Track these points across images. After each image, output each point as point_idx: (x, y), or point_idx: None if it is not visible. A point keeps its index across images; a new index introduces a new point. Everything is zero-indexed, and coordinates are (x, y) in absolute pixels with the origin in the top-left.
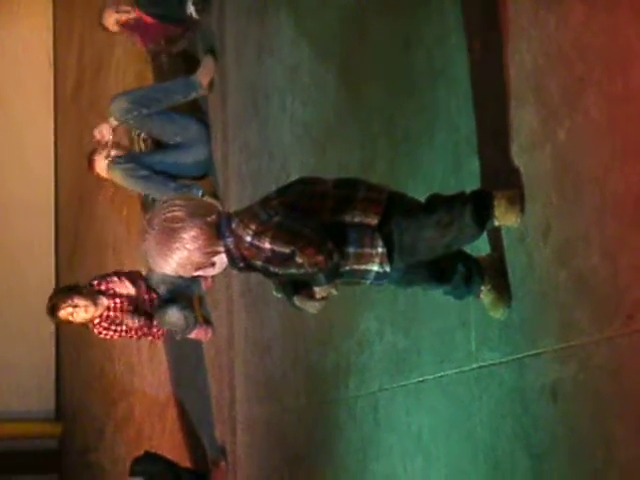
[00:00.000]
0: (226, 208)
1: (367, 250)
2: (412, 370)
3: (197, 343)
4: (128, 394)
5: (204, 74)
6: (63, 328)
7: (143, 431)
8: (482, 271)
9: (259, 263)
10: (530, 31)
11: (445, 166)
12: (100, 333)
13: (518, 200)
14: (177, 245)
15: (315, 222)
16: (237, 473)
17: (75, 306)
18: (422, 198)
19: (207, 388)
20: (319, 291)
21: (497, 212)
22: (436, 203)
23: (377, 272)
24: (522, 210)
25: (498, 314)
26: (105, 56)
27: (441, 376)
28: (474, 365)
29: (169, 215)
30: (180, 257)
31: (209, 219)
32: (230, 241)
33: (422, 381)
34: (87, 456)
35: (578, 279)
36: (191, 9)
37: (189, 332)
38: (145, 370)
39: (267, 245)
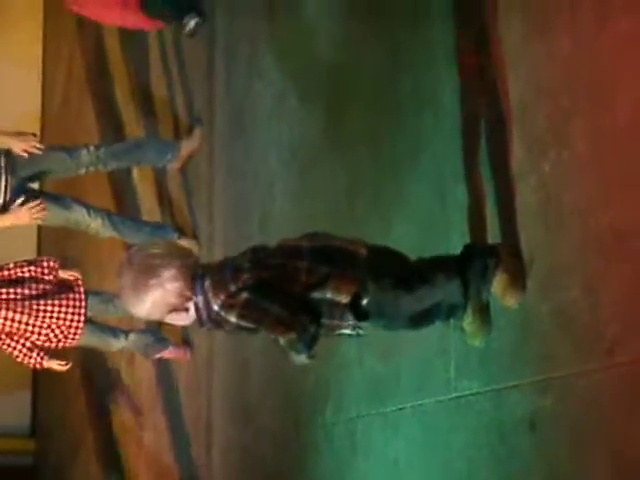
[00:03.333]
0: (210, 228)
1: (336, 322)
2: (390, 397)
3: (176, 363)
4: (105, 413)
5: (188, 145)
6: None
7: (118, 451)
8: (465, 303)
9: (227, 328)
10: (518, 62)
11: (429, 194)
12: None
13: (520, 279)
14: (155, 282)
15: (286, 297)
16: None
17: None
18: (406, 228)
19: (184, 409)
20: (297, 360)
21: (496, 288)
22: (419, 280)
23: (350, 335)
24: (524, 289)
25: (478, 342)
26: (94, 68)
27: (419, 404)
28: (452, 394)
29: (150, 253)
30: (155, 296)
31: (188, 262)
32: (200, 300)
33: (400, 409)
34: (61, 473)
35: (559, 311)
36: (191, 24)
37: (152, 354)
38: (122, 389)
39: (233, 319)
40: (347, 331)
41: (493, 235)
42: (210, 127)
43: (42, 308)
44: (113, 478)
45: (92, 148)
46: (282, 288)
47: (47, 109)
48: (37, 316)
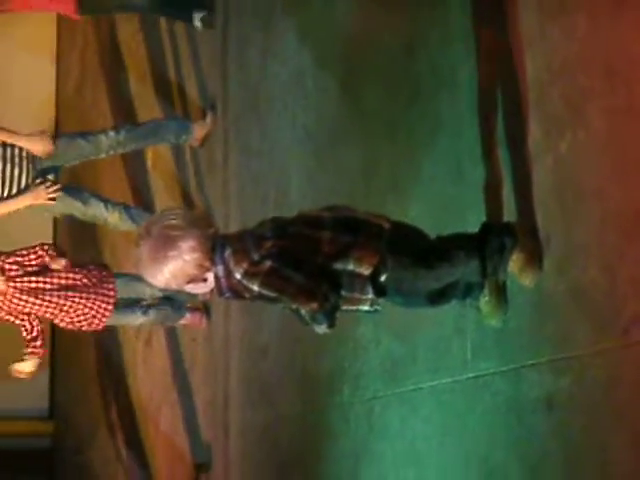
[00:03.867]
0: (226, 210)
1: (357, 295)
2: (407, 378)
3: (192, 345)
4: (122, 395)
5: (202, 126)
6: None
7: (136, 433)
8: (482, 282)
9: (247, 296)
10: (534, 42)
11: (446, 174)
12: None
13: (537, 258)
14: (173, 253)
15: (308, 266)
16: (230, 477)
17: None
18: (422, 207)
19: (201, 391)
20: (319, 330)
21: (513, 267)
22: (439, 256)
23: (367, 310)
24: (541, 268)
25: (494, 322)
26: (108, 54)
27: (436, 385)
28: (469, 374)
29: (168, 223)
30: (174, 267)
31: (208, 232)
32: (220, 269)
33: (417, 389)
34: (79, 455)
35: (576, 290)
36: (198, 23)
37: (170, 323)
38: (139, 371)
39: (255, 288)
40: (365, 307)
41: (509, 214)
42: (224, 108)
43: (75, 301)
44: (131, 460)
45: (111, 133)
46: (304, 257)
47: (62, 95)
48: (67, 309)
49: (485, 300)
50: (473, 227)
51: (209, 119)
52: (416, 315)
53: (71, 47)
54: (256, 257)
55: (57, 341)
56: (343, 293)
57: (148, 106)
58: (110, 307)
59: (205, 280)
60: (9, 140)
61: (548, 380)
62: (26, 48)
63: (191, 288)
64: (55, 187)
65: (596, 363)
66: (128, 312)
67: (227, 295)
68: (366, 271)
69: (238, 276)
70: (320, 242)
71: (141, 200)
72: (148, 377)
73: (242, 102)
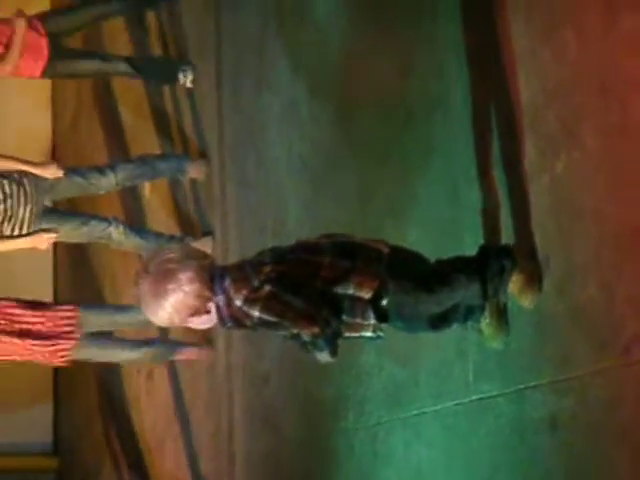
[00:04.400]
0: (225, 241)
1: (359, 320)
2: (411, 403)
3: (194, 379)
4: (126, 429)
5: (195, 170)
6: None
7: (141, 466)
8: (483, 305)
9: (249, 324)
10: (527, 62)
11: (443, 197)
12: None
13: (536, 279)
14: (173, 286)
15: (308, 291)
16: None
17: None
18: (419, 232)
19: (205, 422)
20: (321, 357)
21: (513, 289)
22: (440, 280)
23: (370, 337)
24: (540, 290)
25: (495, 344)
26: (102, 88)
27: (439, 408)
28: (472, 397)
29: (165, 257)
30: (175, 299)
31: (204, 262)
32: (221, 299)
33: (420, 414)
34: None
35: (576, 310)
36: (184, 80)
37: (169, 359)
38: (142, 405)
39: (256, 314)
40: (367, 333)
41: (507, 236)
42: (220, 139)
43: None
44: None
45: (111, 174)
46: (303, 282)
47: (58, 128)
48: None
49: (486, 322)
50: (471, 250)
51: (202, 166)
52: (418, 340)
53: (67, 81)
54: (256, 283)
55: (60, 377)
56: (344, 318)
57: (143, 138)
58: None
59: (208, 312)
60: (16, 167)
61: (551, 400)
62: (22, 82)
63: (194, 323)
64: (55, 236)
65: (598, 382)
66: (118, 345)
67: (229, 325)
68: (366, 295)
69: (239, 303)
70: (319, 267)
71: None
72: (151, 410)
73: (237, 133)
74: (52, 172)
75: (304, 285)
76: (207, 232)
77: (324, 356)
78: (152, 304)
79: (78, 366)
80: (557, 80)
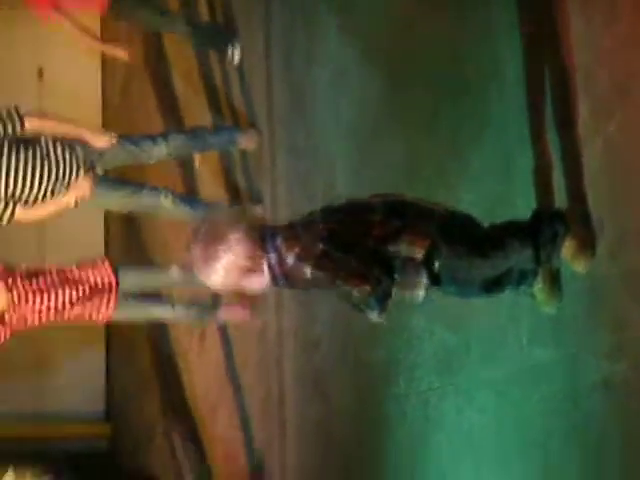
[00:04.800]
0: (275, 210)
1: (411, 279)
2: (462, 368)
3: (246, 340)
4: (177, 394)
5: (246, 141)
6: (112, 328)
7: (193, 433)
8: (536, 269)
9: (300, 282)
10: (579, 26)
11: (495, 162)
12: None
13: (590, 244)
14: (223, 248)
15: (360, 249)
16: (287, 473)
17: None
18: (472, 197)
19: (256, 388)
20: (371, 316)
21: (566, 254)
22: (493, 245)
23: (423, 297)
24: (593, 255)
25: (549, 309)
26: (152, 56)
27: (492, 374)
28: (525, 363)
29: (214, 222)
30: (227, 261)
31: (253, 224)
32: (273, 257)
33: (473, 379)
34: (137, 457)
35: (629, 275)
36: (231, 56)
37: (207, 320)
38: (195, 369)
39: (308, 270)
40: (420, 292)
41: (560, 200)
42: (269, 108)
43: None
44: (187, 461)
45: (163, 143)
46: (355, 240)
47: (107, 96)
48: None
49: (539, 287)
50: (524, 215)
51: (253, 135)
52: (469, 305)
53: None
54: (308, 240)
55: (111, 343)
56: (396, 277)
57: (193, 106)
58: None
59: (261, 272)
60: (70, 132)
61: (604, 365)
62: (72, 51)
63: (248, 284)
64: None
65: None
66: (155, 303)
67: (281, 283)
68: (418, 254)
69: (291, 261)
70: (371, 225)
71: None
72: (203, 375)
73: (286, 102)
74: (105, 141)
75: (355, 244)
76: (257, 200)
77: (374, 315)
78: (205, 268)
79: (129, 332)
80: (609, 40)
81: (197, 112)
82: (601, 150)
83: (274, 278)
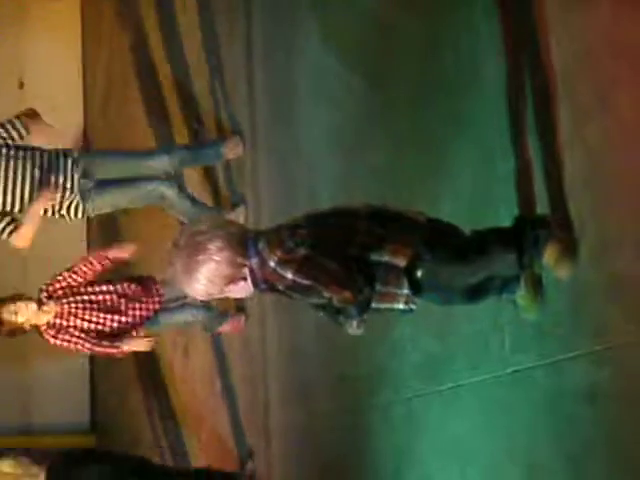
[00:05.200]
0: (257, 215)
1: (392, 290)
2: (446, 375)
3: (229, 349)
4: (162, 405)
5: (231, 150)
6: None
7: (178, 441)
8: (518, 276)
9: (281, 288)
10: (559, 31)
11: (477, 169)
12: (49, 340)
13: (572, 250)
14: (203, 257)
15: (343, 256)
16: (272, 479)
17: (16, 312)
18: (453, 205)
19: (241, 396)
20: (349, 325)
21: (548, 260)
22: (476, 250)
23: (402, 310)
24: (575, 260)
25: (531, 315)
26: (134, 63)
27: (476, 381)
28: (509, 369)
29: (194, 231)
30: (208, 270)
31: (232, 230)
32: (255, 262)
33: (457, 386)
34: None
35: (612, 280)
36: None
37: (217, 327)
38: (179, 380)
39: (289, 275)
40: (400, 305)
41: (542, 207)
42: (251, 113)
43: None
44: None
45: (166, 157)
46: (339, 247)
47: (89, 106)
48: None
49: (521, 294)
50: (506, 221)
51: (236, 141)
52: (452, 312)
53: (96, 59)
54: (291, 244)
55: (95, 356)
56: (378, 287)
57: (175, 116)
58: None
59: (243, 279)
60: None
61: (588, 371)
62: (53, 59)
63: (232, 291)
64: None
65: (636, 353)
66: (178, 312)
67: (262, 287)
68: (401, 263)
69: (272, 264)
70: (355, 232)
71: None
72: (187, 385)
73: (269, 106)
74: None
75: (339, 250)
76: (238, 203)
77: (354, 328)
78: (187, 279)
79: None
80: (589, 46)
81: (180, 120)
82: (582, 155)
83: (255, 282)
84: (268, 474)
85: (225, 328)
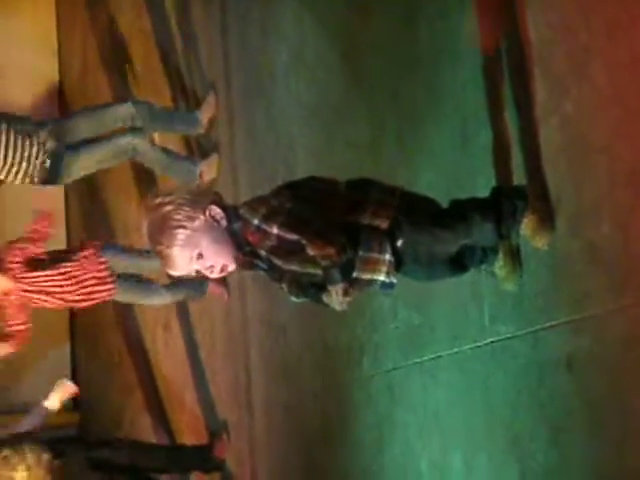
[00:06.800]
0: (235, 193)
1: (374, 255)
2: (426, 347)
3: (211, 327)
4: (145, 381)
5: (206, 111)
6: (78, 315)
7: (161, 418)
8: (496, 246)
9: (263, 253)
10: (535, 2)
11: (454, 141)
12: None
13: (549, 220)
14: (171, 231)
15: (326, 217)
16: (256, 455)
17: None
18: (431, 176)
19: (224, 372)
20: (334, 298)
21: (525, 230)
22: (455, 216)
23: (383, 282)
24: (553, 230)
25: (510, 286)
26: (109, 40)
27: (456, 352)
28: (488, 340)
29: (162, 209)
30: (171, 237)
31: (194, 193)
32: (237, 226)
33: (437, 358)
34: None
35: (590, 249)
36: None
37: (196, 297)
38: (161, 356)
39: (274, 230)
40: (381, 276)
41: (519, 177)
42: (228, 89)
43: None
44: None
45: (130, 103)
46: (322, 207)
47: (65, 84)
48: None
49: (500, 264)
50: (484, 192)
51: (210, 100)
52: (432, 285)
53: (71, 38)
54: (275, 202)
55: (76, 332)
56: (360, 253)
57: (152, 91)
58: (107, 286)
59: (226, 252)
60: None
61: (567, 341)
62: (27, 40)
63: (209, 267)
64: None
65: (614, 321)
66: (149, 291)
67: (246, 249)
68: (383, 224)
69: (256, 221)
70: (334, 195)
71: (146, 185)
72: (170, 362)
73: (245, 82)
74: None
75: (320, 213)
76: (211, 151)
77: (339, 298)
78: (164, 256)
79: (94, 320)
80: (563, 15)
81: (156, 98)
82: (558, 126)
83: (239, 245)
84: (251, 449)
85: (211, 292)
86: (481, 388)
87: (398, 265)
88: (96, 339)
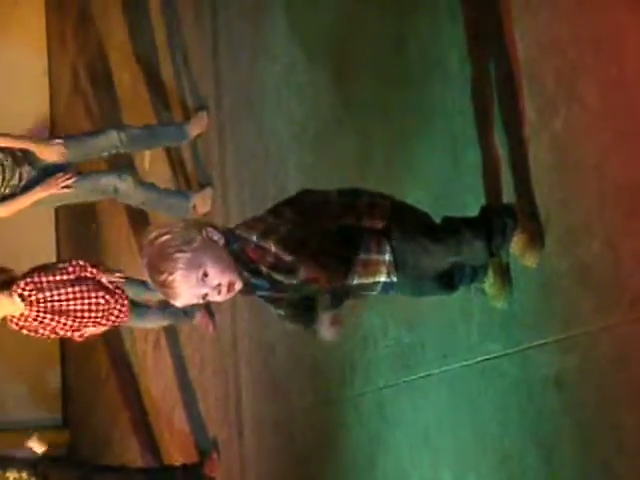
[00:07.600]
0: (226, 212)
1: (374, 257)
2: (417, 365)
3: (201, 346)
4: (135, 400)
5: (196, 125)
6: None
7: (151, 436)
8: (486, 265)
9: (264, 270)
10: (523, 20)
11: (443, 159)
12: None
13: (538, 238)
14: (169, 262)
15: (324, 239)
16: (246, 473)
17: None
18: (421, 194)
19: (213, 390)
20: (323, 326)
21: (515, 249)
22: (446, 231)
23: (384, 283)
24: (542, 248)
25: (499, 304)
26: (100, 58)
27: (446, 370)
28: (478, 358)
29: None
30: (169, 270)
31: (180, 225)
32: (236, 246)
33: (427, 376)
34: (96, 461)
35: (580, 268)
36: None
37: (183, 321)
38: (151, 375)
39: (272, 248)
40: (382, 277)
41: (508, 196)
42: (218, 107)
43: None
44: (147, 464)
45: (114, 132)
46: (317, 222)
47: (55, 104)
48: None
49: (489, 283)
50: (473, 211)
51: (201, 115)
52: (422, 302)
53: (62, 57)
54: (272, 221)
55: (67, 351)
56: (360, 257)
57: (142, 111)
58: (124, 310)
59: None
60: (14, 145)
61: (556, 359)
62: (18, 60)
63: (216, 286)
64: (66, 177)
65: (604, 340)
66: (150, 314)
67: (250, 266)
68: (379, 224)
69: (254, 238)
70: (327, 203)
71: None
72: (159, 380)
73: (235, 100)
74: (55, 156)
75: (318, 225)
76: (205, 184)
77: (327, 328)
78: (170, 285)
79: (85, 340)
80: (553, 35)
81: (146, 116)
82: (548, 145)
83: (243, 263)
84: (241, 467)
85: (196, 322)
86: (471, 406)
87: (397, 264)
88: (85, 357)
